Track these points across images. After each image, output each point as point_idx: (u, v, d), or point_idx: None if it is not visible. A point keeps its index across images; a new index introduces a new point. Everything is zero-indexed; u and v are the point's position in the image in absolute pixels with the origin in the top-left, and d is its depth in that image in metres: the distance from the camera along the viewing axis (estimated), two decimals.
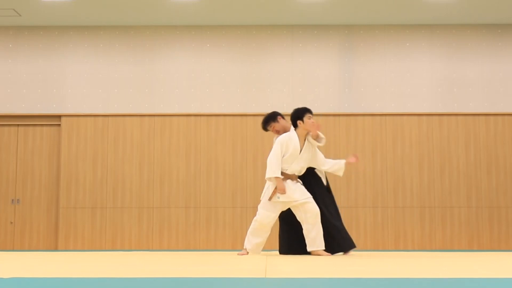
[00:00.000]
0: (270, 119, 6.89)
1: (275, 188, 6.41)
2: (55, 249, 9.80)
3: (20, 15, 9.71)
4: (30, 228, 9.90)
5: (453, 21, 10.02)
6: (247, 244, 6.57)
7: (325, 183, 6.83)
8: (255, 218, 6.54)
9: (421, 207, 9.78)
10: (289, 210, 6.57)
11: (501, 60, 10.07)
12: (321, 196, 6.68)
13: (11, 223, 9.91)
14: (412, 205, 9.79)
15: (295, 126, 6.63)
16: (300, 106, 9.89)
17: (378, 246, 9.75)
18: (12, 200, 9.93)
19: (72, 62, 10.10)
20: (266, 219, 6.46)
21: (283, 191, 6.39)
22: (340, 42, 10.13)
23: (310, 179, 6.71)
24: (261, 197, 6.58)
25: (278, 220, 6.72)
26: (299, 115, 6.62)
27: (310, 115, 6.65)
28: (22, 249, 9.78)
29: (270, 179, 6.45)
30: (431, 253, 7.59)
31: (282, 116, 6.93)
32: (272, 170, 6.41)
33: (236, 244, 9.71)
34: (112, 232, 9.78)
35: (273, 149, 6.54)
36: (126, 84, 10.06)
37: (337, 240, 6.63)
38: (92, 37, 10.13)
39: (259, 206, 6.53)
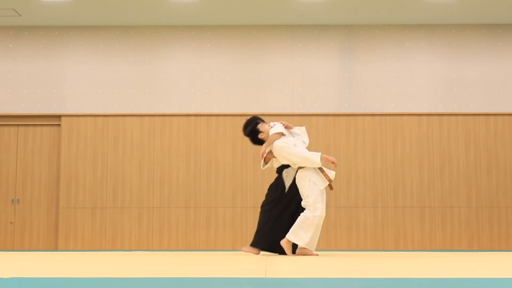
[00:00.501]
0: (252, 131, 6.86)
1: (323, 173, 6.32)
2: (55, 249, 9.80)
3: (20, 15, 9.71)
4: (30, 228, 9.90)
5: (453, 21, 10.02)
6: (309, 243, 6.27)
7: (287, 186, 6.73)
8: (314, 214, 6.20)
9: (421, 207, 9.78)
10: (281, 202, 6.53)
11: (501, 60, 10.07)
12: (283, 195, 6.67)
13: (11, 223, 9.91)
14: (412, 205, 9.79)
15: (258, 140, 6.70)
16: (301, 106, 9.93)
17: (378, 246, 9.75)
18: (12, 200, 9.93)
19: (72, 62, 10.10)
20: (324, 211, 6.31)
21: (335, 160, 6.41)
22: (340, 42, 10.13)
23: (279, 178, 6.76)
24: (305, 195, 6.34)
25: (260, 212, 6.72)
26: (254, 130, 6.73)
27: (261, 122, 6.75)
28: (22, 249, 9.78)
29: (319, 162, 6.29)
30: (431, 253, 7.59)
31: (261, 121, 6.89)
32: (311, 154, 6.31)
33: (236, 244, 9.71)
34: (112, 232, 9.78)
35: (288, 151, 6.45)
36: (126, 84, 10.06)
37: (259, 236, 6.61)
38: (92, 37, 10.13)
39: (312, 202, 6.22)
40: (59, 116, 10.02)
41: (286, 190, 6.66)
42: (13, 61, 10.12)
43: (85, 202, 9.82)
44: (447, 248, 9.69)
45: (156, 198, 9.84)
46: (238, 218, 9.77)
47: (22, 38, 10.14)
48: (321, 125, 9.91)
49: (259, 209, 9.77)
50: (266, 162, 6.87)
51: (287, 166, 6.71)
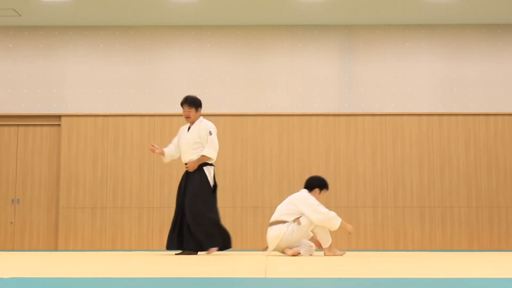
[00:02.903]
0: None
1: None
2: (55, 249, 9.80)
3: (20, 15, 9.71)
4: (30, 228, 9.89)
5: (453, 21, 10.02)
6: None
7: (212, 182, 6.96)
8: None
9: (421, 207, 9.78)
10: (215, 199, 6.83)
11: (501, 60, 10.07)
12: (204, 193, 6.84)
13: (11, 223, 9.91)
14: (412, 205, 9.79)
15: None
16: (301, 106, 9.93)
17: (378, 246, 9.75)
18: (12, 200, 9.93)
19: (72, 62, 10.10)
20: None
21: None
22: (340, 42, 10.12)
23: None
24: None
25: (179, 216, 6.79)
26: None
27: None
28: (22, 249, 9.78)
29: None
30: (431, 253, 7.59)
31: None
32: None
33: (235, 244, 9.71)
34: (112, 232, 9.77)
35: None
36: (126, 84, 10.06)
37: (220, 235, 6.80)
38: (92, 37, 10.13)
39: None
40: (59, 116, 10.02)
41: (212, 185, 6.96)
42: (13, 61, 10.12)
43: (85, 202, 9.81)
44: (447, 248, 9.69)
45: (156, 198, 9.83)
46: (238, 218, 9.77)
47: (22, 38, 10.13)
48: (321, 125, 9.91)
49: (259, 209, 9.80)
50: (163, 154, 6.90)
51: (207, 163, 6.91)
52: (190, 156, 6.84)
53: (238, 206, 9.79)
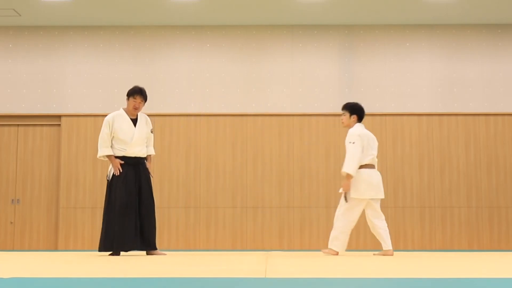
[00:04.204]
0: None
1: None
2: (55, 249, 9.80)
3: (20, 15, 9.71)
4: (30, 228, 9.90)
5: (453, 21, 10.02)
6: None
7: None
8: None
9: (421, 207, 9.78)
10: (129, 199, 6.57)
11: (501, 60, 10.06)
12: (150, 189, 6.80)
13: (11, 223, 9.91)
14: (412, 205, 9.79)
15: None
16: (301, 106, 9.93)
17: (378, 246, 9.73)
18: (12, 200, 9.93)
19: (72, 62, 10.10)
20: None
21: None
22: (340, 42, 10.12)
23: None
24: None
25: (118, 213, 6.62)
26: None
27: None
28: (22, 249, 9.78)
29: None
30: (431, 253, 7.59)
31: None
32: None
33: (236, 244, 9.71)
34: None
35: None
36: (126, 84, 10.02)
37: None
38: (92, 37, 10.13)
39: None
40: (59, 116, 10.02)
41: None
42: (13, 61, 10.12)
43: (85, 202, 9.81)
44: (447, 248, 9.69)
45: (156, 198, 9.78)
46: (238, 218, 9.77)
47: (22, 38, 10.13)
48: (321, 125, 9.91)
49: (259, 209, 9.80)
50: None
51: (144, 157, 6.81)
52: (142, 150, 6.73)
53: (238, 206, 9.79)
